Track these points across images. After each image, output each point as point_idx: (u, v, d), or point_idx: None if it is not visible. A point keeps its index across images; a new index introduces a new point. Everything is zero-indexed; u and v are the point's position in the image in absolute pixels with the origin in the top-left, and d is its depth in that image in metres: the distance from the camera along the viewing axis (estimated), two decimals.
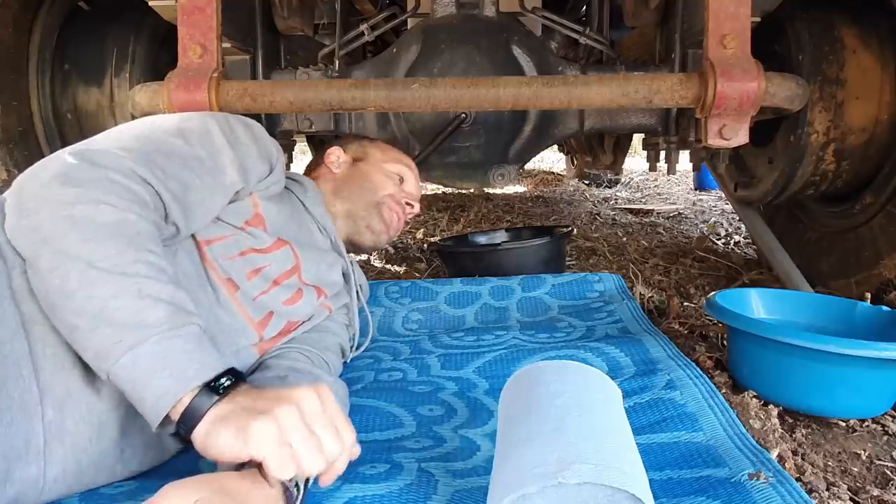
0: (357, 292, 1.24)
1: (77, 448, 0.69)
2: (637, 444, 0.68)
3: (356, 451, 0.67)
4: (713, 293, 1.22)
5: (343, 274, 1.20)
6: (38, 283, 0.66)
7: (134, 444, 0.75)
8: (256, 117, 1.51)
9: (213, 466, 0.77)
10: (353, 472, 0.77)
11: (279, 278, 0.99)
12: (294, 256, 1.03)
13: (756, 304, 1.27)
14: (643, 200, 3.78)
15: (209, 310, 0.88)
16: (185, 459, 0.81)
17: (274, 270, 0.98)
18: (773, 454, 0.84)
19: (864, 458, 0.95)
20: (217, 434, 0.60)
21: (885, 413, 1.06)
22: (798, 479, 0.81)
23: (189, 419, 0.61)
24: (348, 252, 1.28)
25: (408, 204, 1.32)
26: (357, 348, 1.24)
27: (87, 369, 0.69)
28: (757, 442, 0.85)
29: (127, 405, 0.71)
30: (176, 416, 0.62)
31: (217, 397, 0.62)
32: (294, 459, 0.59)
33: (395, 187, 1.29)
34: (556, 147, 4.32)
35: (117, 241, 0.66)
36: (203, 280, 0.88)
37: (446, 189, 3.80)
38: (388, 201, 1.26)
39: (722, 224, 2.88)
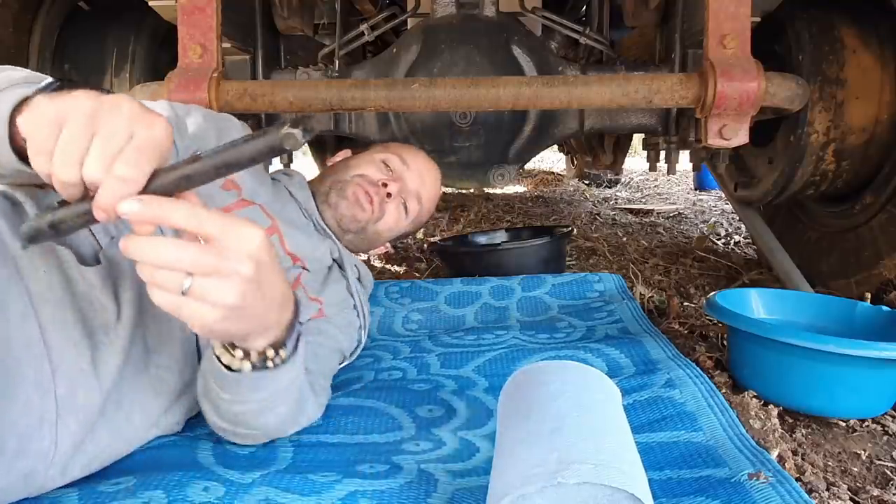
0: (357, 280, 1.25)
1: (89, 420, 0.71)
2: (636, 443, 0.68)
3: (120, 189, 0.53)
4: (713, 293, 1.22)
5: (335, 260, 1.21)
6: None
7: (144, 397, 0.78)
8: (256, 117, 1.51)
9: (211, 461, 0.78)
10: (352, 470, 0.77)
11: None
12: (268, 217, 1.02)
13: (756, 304, 1.27)
14: (643, 200, 3.78)
15: None
16: (183, 450, 0.82)
17: None
18: (773, 454, 0.84)
19: (864, 458, 0.95)
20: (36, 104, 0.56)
21: (885, 413, 1.06)
22: (798, 479, 0.81)
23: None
24: (354, 250, 1.31)
25: (383, 184, 1.25)
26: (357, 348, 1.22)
27: (94, 345, 0.72)
28: (757, 442, 0.85)
29: (136, 368, 0.76)
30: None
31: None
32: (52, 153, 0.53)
33: (374, 170, 1.26)
34: (556, 147, 4.33)
35: None
36: None
37: (446, 189, 3.80)
38: (356, 179, 1.24)
39: (722, 224, 2.88)
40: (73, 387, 0.69)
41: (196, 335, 0.87)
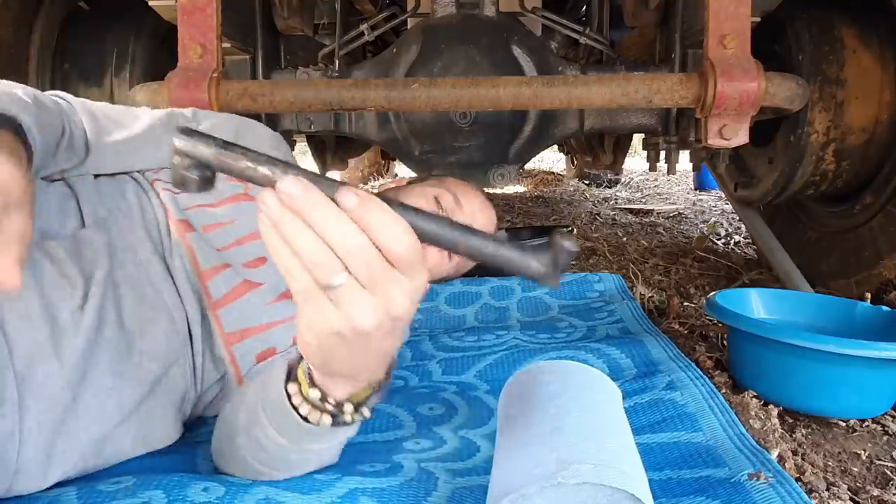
0: None
1: (53, 399, 0.69)
2: (637, 444, 0.68)
3: None
4: (713, 293, 1.22)
5: None
6: None
7: (122, 382, 0.74)
8: (256, 117, 1.51)
9: (211, 460, 0.78)
10: (352, 468, 0.77)
11: (244, 238, 0.92)
12: None
13: (756, 304, 1.27)
14: (643, 200, 3.78)
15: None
16: (183, 452, 0.81)
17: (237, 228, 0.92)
18: (773, 454, 0.84)
19: (864, 458, 0.95)
20: None
21: (885, 413, 1.06)
22: (798, 479, 0.81)
23: None
24: None
25: None
26: None
27: (52, 321, 0.70)
28: (757, 442, 0.85)
29: (99, 346, 0.72)
30: None
31: None
32: None
33: (423, 203, 1.09)
34: (556, 147, 4.33)
35: None
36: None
37: None
38: None
39: (722, 224, 2.88)
40: (30, 363, 0.68)
41: (188, 322, 0.83)
